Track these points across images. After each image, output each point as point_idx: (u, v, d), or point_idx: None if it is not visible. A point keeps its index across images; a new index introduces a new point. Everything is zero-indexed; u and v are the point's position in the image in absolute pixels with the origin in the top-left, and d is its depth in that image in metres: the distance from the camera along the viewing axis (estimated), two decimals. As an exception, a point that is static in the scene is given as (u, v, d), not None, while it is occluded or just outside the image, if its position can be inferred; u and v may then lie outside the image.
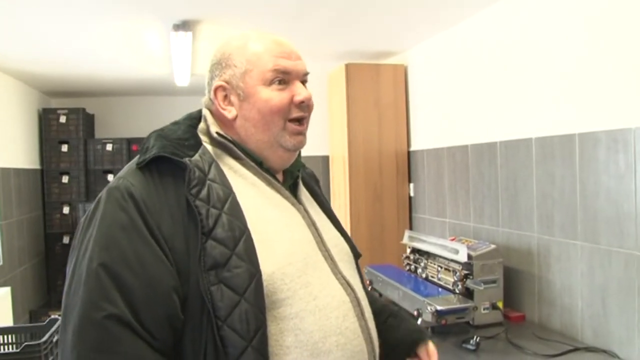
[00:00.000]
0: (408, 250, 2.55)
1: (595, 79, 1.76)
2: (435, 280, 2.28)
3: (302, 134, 1.03)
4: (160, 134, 0.97)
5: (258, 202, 0.97)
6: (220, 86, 1.01)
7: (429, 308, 1.93)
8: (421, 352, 1.15)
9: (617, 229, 1.68)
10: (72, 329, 0.82)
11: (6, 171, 3.40)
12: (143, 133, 4.96)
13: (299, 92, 1.00)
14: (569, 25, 1.87)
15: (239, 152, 1.00)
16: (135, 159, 0.94)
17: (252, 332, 0.84)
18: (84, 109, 4.31)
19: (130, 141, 4.37)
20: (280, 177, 1.07)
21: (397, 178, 3.14)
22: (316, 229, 1.02)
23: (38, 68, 3.43)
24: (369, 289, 1.31)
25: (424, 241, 2.43)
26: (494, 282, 2.07)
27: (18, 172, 3.64)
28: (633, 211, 1.62)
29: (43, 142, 4.17)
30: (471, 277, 2.06)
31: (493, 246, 2.10)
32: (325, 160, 3.52)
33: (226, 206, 0.89)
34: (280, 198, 1.01)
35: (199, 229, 0.86)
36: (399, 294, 2.23)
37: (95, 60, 3.23)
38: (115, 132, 4.66)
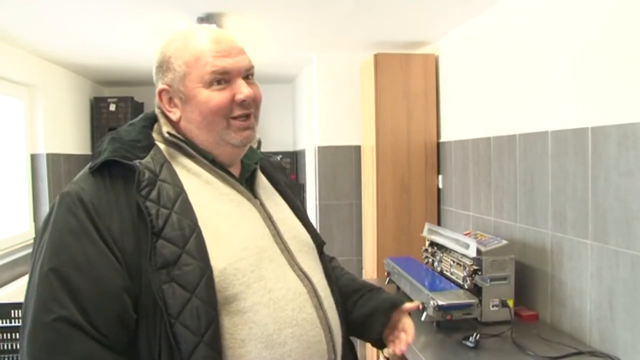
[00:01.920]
0: (427, 243, 2.52)
1: (610, 69, 1.66)
2: (448, 274, 2.24)
3: (249, 128, 1.03)
4: (115, 136, 0.99)
5: (211, 199, 0.99)
6: (164, 89, 1.03)
7: (431, 302, 1.91)
8: (397, 316, 1.18)
9: (625, 228, 1.59)
10: (27, 332, 0.85)
11: (56, 157, 3.62)
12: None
13: (241, 90, 1.00)
14: (587, 16, 1.77)
15: (191, 150, 1.02)
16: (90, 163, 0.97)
17: (203, 327, 0.86)
18: (132, 98, 4.51)
19: (175, 129, 4.52)
20: (236, 170, 1.09)
21: (426, 169, 3.09)
22: (272, 222, 1.04)
23: (88, 60, 3.62)
24: (342, 274, 1.34)
25: (441, 234, 2.39)
26: (504, 278, 2.01)
27: (68, 157, 3.87)
28: (641, 211, 1.53)
29: (94, 129, 4.41)
30: (480, 272, 2.01)
31: (505, 242, 2.04)
32: (357, 150, 3.52)
33: (176, 205, 0.92)
34: (234, 193, 1.03)
35: (149, 229, 0.88)
36: (409, 286, 2.21)
37: (136, 52, 3.38)
38: (163, 120, 4.84)
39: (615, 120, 1.63)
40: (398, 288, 2.45)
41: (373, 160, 3.09)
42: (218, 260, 0.91)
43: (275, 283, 0.96)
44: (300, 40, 3.22)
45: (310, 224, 1.17)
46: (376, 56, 3.05)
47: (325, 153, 3.54)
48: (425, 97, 3.08)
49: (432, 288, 2.04)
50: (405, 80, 3.06)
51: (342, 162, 3.54)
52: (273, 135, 5.28)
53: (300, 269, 1.02)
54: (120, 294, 0.87)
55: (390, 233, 3.07)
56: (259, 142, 1.17)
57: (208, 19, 2.56)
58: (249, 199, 1.04)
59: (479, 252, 2.01)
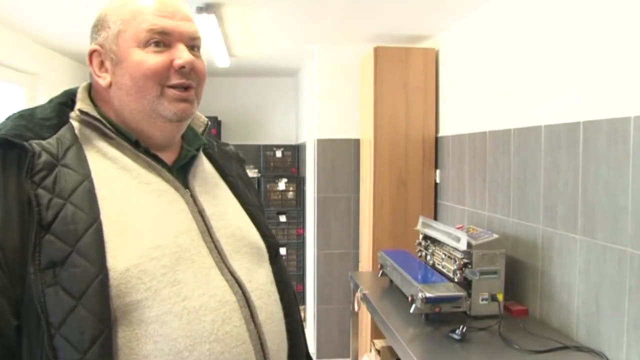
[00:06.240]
0: (420, 237, 2.52)
1: (602, 64, 1.65)
2: (440, 267, 2.24)
3: (187, 100, 0.90)
4: (24, 113, 0.87)
5: (126, 188, 0.86)
6: (95, 50, 0.91)
7: (420, 294, 1.91)
8: None
9: (613, 223, 1.59)
10: None
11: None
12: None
13: (180, 55, 0.88)
14: (580, 13, 1.76)
15: (108, 131, 0.88)
16: None
17: (86, 342, 0.73)
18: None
19: (177, 120, 4.54)
20: (172, 156, 0.96)
21: (424, 164, 3.09)
22: (203, 216, 0.90)
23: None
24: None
25: (434, 228, 2.39)
26: (494, 272, 2.00)
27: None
28: (628, 205, 1.52)
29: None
30: (470, 266, 2.01)
31: (495, 236, 2.04)
32: (356, 143, 3.52)
33: (74, 195, 0.78)
34: (159, 182, 0.89)
35: (36, 221, 0.75)
36: (400, 279, 2.21)
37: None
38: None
39: (606, 114, 1.62)
40: (391, 281, 2.46)
41: (371, 154, 3.09)
42: (119, 260, 0.78)
43: (194, 289, 0.82)
44: (301, 32, 3.22)
45: (264, 222, 1.04)
46: (376, 49, 3.04)
47: (325, 146, 3.54)
48: (424, 92, 3.07)
49: (423, 281, 2.04)
50: (405, 74, 3.05)
51: (341, 155, 3.55)
52: (276, 128, 5.29)
53: (231, 273, 0.87)
54: None
55: (386, 227, 3.07)
56: (206, 126, 1.04)
57: (207, 8, 2.56)
58: (176, 189, 0.90)
59: (469, 245, 2.01)
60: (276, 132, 5.27)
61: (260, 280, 0.92)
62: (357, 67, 3.44)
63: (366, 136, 3.24)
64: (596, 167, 1.66)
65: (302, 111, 4.70)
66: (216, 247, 0.89)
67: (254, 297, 0.88)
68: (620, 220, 1.55)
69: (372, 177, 3.06)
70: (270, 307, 0.91)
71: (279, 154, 4.98)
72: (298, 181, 4.80)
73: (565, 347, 1.69)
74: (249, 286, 0.88)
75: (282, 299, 0.97)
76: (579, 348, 1.69)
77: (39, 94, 3.46)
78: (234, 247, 0.92)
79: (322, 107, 3.55)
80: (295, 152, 5.02)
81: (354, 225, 3.56)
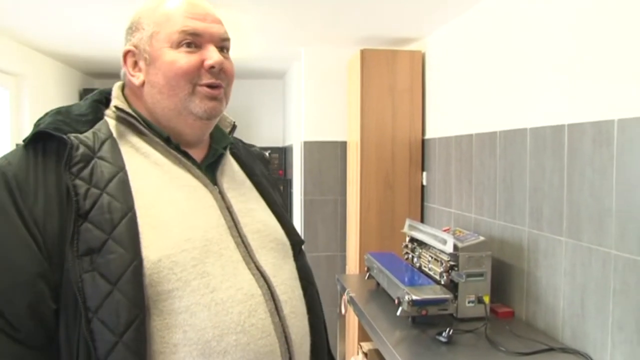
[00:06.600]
0: (407, 239, 2.52)
1: (586, 68, 1.66)
2: (427, 270, 2.24)
3: (216, 99, 0.95)
4: (61, 109, 0.92)
5: (159, 182, 0.89)
6: (129, 51, 0.96)
7: (406, 297, 1.91)
8: None
9: (598, 225, 1.59)
10: None
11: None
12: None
13: (211, 56, 0.92)
14: (564, 17, 1.77)
15: (142, 127, 0.93)
16: None
17: (122, 325, 0.76)
18: (121, 90, 4.48)
19: (163, 122, 4.51)
20: (201, 153, 1.00)
21: (410, 166, 3.09)
22: (230, 212, 0.94)
23: (78, 50, 3.59)
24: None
25: (420, 230, 2.39)
26: (480, 275, 2.01)
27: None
28: (613, 207, 1.53)
29: (82, 121, 4.38)
30: (456, 268, 2.01)
31: (482, 238, 2.04)
32: (343, 145, 3.51)
33: (109, 186, 0.83)
34: (188, 178, 0.93)
35: (74, 210, 0.79)
36: (387, 281, 2.21)
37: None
38: (152, 113, 4.83)
39: (590, 117, 1.63)
40: (378, 284, 2.45)
41: (357, 156, 3.09)
42: (152, 250, 0.81)
43: (221, 281, 0.85)
44: (288, 34, 3.21)
45: (289, 220, 1.07)
46: (363, 52, 3.04)
47: (312, 148, 3.54)
48: (411, 94, 3.07)
49: (409, 283, 2.04)
50: (392, 76, 3.05)
51: (327, 157, 3.54)
52: (263, 130, 5.27)
53: (257, 267, 0.90)
54: (36, 281, 0.77)
55: (373, 229, 3.07)
56: (233, 127, 1.09)
57: (193, 10, 2.54)
58: (205, 185, 0.94)
59: (455, 247, 2.01)
60: (263, 134, 5.26)
61: (285, 276, 0.95)
62: (344, 69, 3.44)
63: (353, 138, 3.23)
64: (581, 169, 1.67)
65: (289, 113, 4.69)
66: (243, 242, 0.92)
67: (278, 291, 0.91)
68: (605, 222, 1.56)
69: (359, 180, 3.06)
70: (295, 301, 0.94)
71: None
72: (285, 183, 4.79)
73: (551, 349, 1.70)
74: (274, 281, 0.91)
75: (305, 295, 1.00)
76: (565, 349, 1.70)
77: (24, 96, 3.42)
78: (260, 242, 0.95)
79: (309, 109, 3.54)
80: (282, 154, 5.00)
81: (340, 228, 3.56)
